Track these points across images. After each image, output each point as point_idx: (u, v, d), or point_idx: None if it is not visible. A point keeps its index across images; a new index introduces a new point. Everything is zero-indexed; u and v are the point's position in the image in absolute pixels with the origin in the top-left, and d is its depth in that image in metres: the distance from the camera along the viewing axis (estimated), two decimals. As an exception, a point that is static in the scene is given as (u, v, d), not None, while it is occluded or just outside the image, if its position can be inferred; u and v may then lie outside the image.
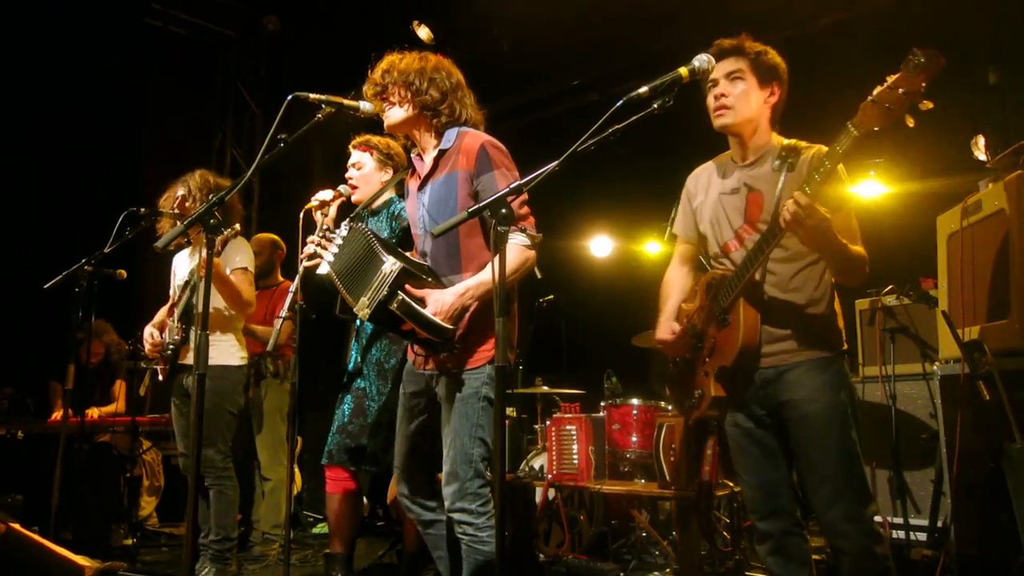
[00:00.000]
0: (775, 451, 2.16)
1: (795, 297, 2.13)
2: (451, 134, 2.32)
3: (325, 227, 2.87)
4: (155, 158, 6.22)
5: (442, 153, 2.31)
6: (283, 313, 2.86)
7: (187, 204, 3.51)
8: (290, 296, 2.88)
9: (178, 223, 3.34)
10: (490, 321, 2.16)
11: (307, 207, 2.98)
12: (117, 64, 5.91)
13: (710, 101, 2.21)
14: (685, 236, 2.44)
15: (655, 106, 1.76)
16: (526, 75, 5.85)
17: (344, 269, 2.28)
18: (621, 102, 1.74)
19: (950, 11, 4.13)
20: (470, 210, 1.85)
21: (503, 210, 1.76)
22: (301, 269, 2.88)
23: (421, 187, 2.37)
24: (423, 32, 5.50)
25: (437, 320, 2.10)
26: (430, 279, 2.22)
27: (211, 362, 3.36)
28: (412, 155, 2.46)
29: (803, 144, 2.18)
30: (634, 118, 1.76)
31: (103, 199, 5.03)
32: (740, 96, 2.16)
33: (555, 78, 6.00)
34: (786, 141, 2.20)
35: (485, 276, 2.16)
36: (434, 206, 2.30)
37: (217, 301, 3.46)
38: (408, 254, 2.47)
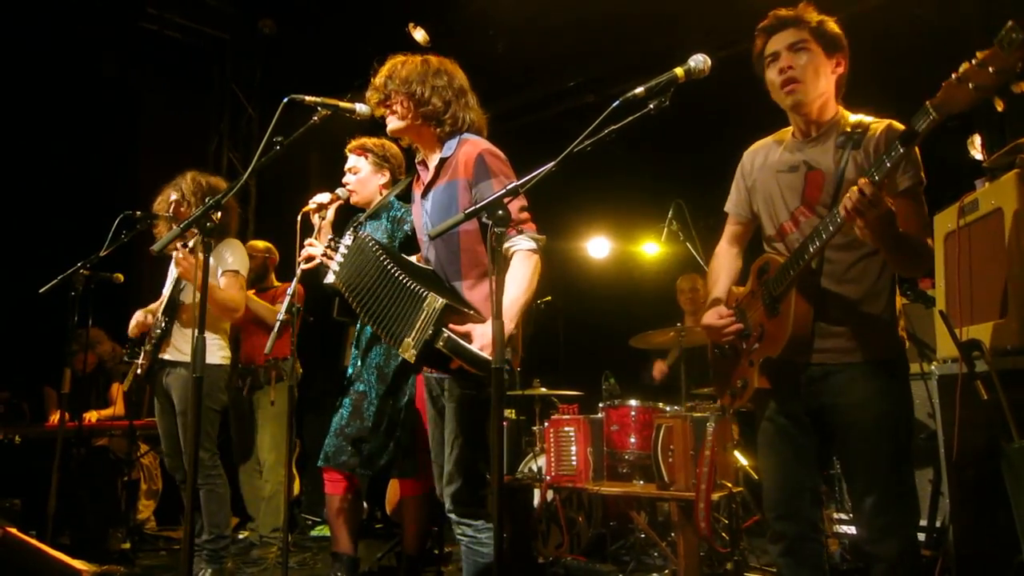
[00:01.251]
0: (807, 454, 2.06)
1: (851, 290, 1.99)
2: (452, 142, 2.32)
3: (330, 236, 2.86)
4: (151, 161, 6.21)
5: (443, 161, 2.32)
6: (280, 316, 2.86)
7: (181, 208, 3.51)
8: (288, 299, 2.88)
9: (174, 226, 3.34)
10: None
11: (304, 210, 2.98)
12: (113, 68, 5.90)
13: (772, 76, 2.07)
14: (736, 215, 2.30)
15: (651, 107, 1.75)
16: (522, 77, 5.85)
17: (361, 291, 2.20)
18: (617, 103, 1.74)
19: (945, 9, 4.13)
20: (466, 212, 1.85)
21: (499, 212, 1.76)
22: (299, 272, 2.88)
23: (424, 194, 2.37)
24: (419, 34, 5.50)
25: (484, 355, 2.02)
26: (471, 311, 2.16)
27: (191, 359, 3.40)
28: (416, 162, 2.47)
29: (870, 119, 2.04)
30: (630, 119, 1.76)
31: (99, 203, 5.02)
32: (808, 68, 2.01)
33: (551, 79, 6.00)
34: (853, 116, 2.07)
35: (513, 296, 2.11)
36: (436, 213, 2.30)
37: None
38: (414, 258, 2.47)
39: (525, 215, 2.22)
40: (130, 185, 5.94)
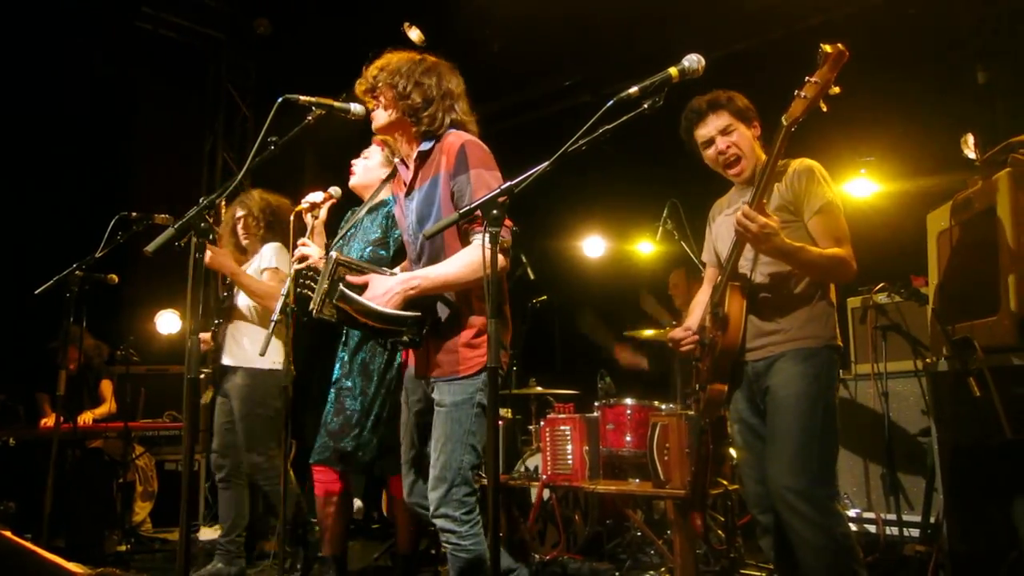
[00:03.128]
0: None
1: (785, 297, 2.26)
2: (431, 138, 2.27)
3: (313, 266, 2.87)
4: (146, 161, 6.19)
5: (422, 156, 2.27)
6: (275, 316, 2.85)
7: (249, 221, 3.67)
8: (281, 299, 2.87)
9: (171, 228, 3.33)
10: (483, 324, 2.15)
11: (297, 209, 2.98)
12: (107, 67, 5.88)
13: (711, 157, 2.38)
14: (710, 261, 2.62)
15: (645, 106, 1.76)
16: (518, 76, 5.85)
17: (317, 288, 2.29)
18: (612, 102, 1.75)
19: (939, 11, 4.15)
20: (460, 211, 1.85)
21: (494, 211, 1.75)
22: (292, 271, 2.87)
23: (408, 194, 2.33)
24: (414, 34, 5.50)
25: (370, 304, 2.10)
26: (384, 272, 2.22)
27: (245, 364, 3.50)
28: (396, 160, 2.42)
29: (786, 160, 2.30)
30: (625, 118, 1.77)
31: (93, 203, 5.00)
32: (742, 143, 2.34)
33: (546, 79, 6.00)
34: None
35: (442, 268, 2.14)
36: (421, 211, 2.26)
37: (246, 300, 3.58)
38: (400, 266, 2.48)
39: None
40: (125, 185, 5.93)
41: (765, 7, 4.53)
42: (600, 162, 4.94)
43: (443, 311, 2.23)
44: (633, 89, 1.76)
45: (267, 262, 3.63)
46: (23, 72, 5.41)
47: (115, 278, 3.74)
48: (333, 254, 2.18)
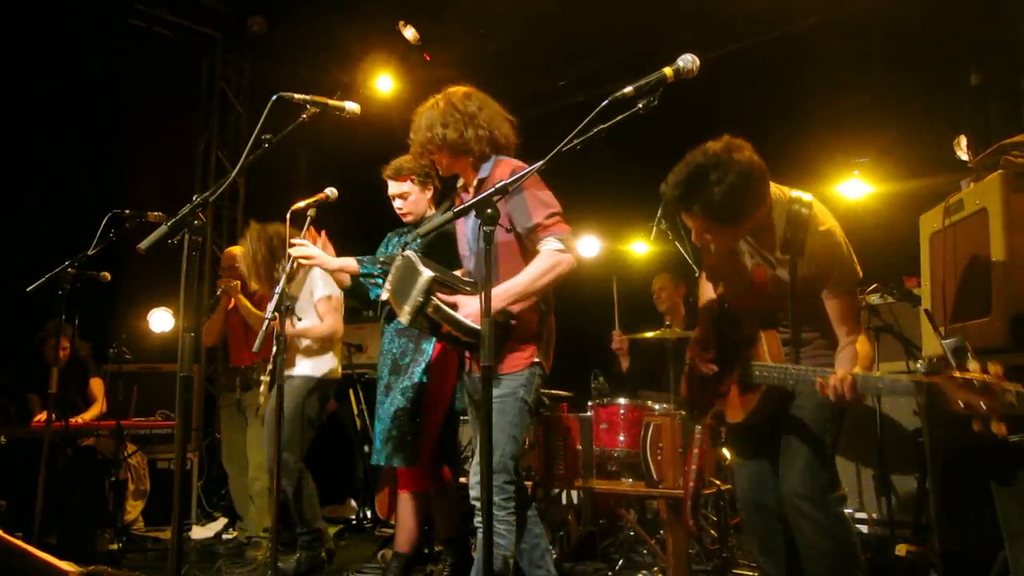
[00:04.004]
0: (767, 451, 2.27)
1: (808, 338, 2.26)
2: (488, 164, 2.46)
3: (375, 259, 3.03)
4: (139, 159, 6.16)
5: (481, 183, 2.46)
6: (269, 315, 2.85)
7: (258, 259, 3.73)
8: (276, 298, 2.86)
9: (164, 225, 3.32)
10: (530, 330, 2.36)
11: (294, 208, 2.98)
12: (100, 65, 5.85)
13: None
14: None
15: (640, 106, 1.77)
16: (512, 76, 5.84)
17: (395, 288, 2.46)
18: (606, 102, 1.76)
19: (933, 12, 4.17)
20: (455, 210, 1.90)
21: (489, 211, 1.78)
22: (288, 269, 2.87)
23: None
24: (409, 33, 5.49)
25: (468, 322, 2.24)
26: (468, 288, 2.34)
27: (303, 373, 3.67)
28: (458, 186, 2.63)
29: (804, 215, 2.12)
30: (619, 118, 1.77)
31: (86, 201, 4.98)
32: (719, 242, 2.21)
33: (541, 78, 6.01)
34: (783, 193, 2.17)
35: (515, 281, 2.28)
36: (477, 234, 2.40)
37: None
38: (459, 272, 2.58)
39: (550, 220, 2.34)
40: (117, 183, 5.90)
41: (759, 8, 4.54)
42: (595, 162, 4.94)
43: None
44: (628, 89, 1.77)
45: (321, 290, 3.68)
46: (15, 69, 5.38)
47: (108, 276, 3.72)
48: (426, 275, 2.23)
